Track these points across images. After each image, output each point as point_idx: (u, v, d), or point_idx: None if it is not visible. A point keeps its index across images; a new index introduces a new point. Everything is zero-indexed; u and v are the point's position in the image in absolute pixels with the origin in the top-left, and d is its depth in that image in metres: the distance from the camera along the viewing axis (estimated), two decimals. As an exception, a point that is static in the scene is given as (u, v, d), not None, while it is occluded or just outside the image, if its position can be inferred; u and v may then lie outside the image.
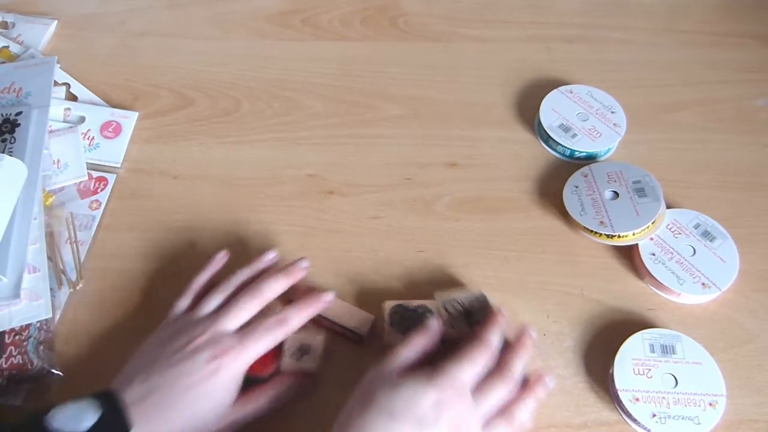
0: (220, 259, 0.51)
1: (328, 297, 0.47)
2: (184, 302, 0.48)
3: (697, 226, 0.54)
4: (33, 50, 0.66)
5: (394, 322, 0.47)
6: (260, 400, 0.44)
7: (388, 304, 0.48)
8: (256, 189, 0.58)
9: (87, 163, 0.58)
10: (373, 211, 0.57)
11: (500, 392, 0.41)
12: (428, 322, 0.44)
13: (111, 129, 0.61)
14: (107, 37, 0.69)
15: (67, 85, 0.63)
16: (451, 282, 0.53)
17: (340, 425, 0.39)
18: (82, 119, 0.61)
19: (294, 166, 0.60)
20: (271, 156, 0.59)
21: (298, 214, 0.56)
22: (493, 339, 0.43)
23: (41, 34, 0.68)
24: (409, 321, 0.47)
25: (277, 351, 0.46)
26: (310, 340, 0.46)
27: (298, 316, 0.45)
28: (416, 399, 0.38)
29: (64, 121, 0.61)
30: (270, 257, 0.50)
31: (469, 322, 0.46)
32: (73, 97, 0.63)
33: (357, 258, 0.54)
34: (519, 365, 0.42)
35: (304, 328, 0.46)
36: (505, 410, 0.41)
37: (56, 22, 0.69)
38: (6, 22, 0.68)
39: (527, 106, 0.63)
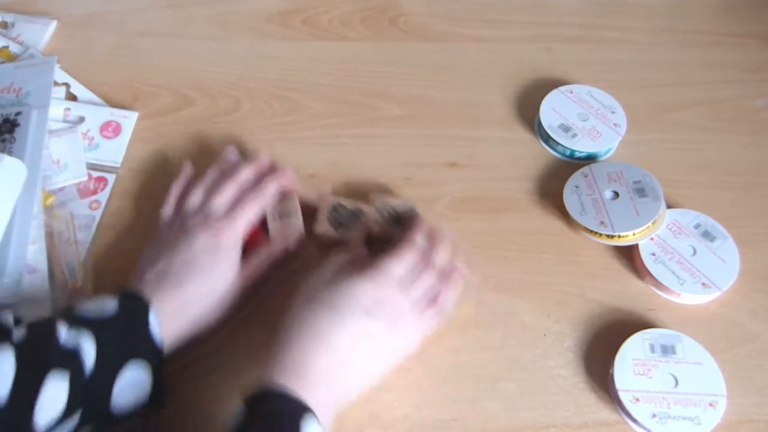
0: (188, 167, 0.56)
1: (289, 169, 0.54)
2: (168, 209, 0.52)
3: (697, 226, 0.54)
4: (33, 50, 0.65)
5: (329, 216, 0.52)
6: (261, 258, 0.50)
7: (330, 199, 0.53)
8: (256, 189, 0.58)
9: (87, 163, 0.58)
10: (373, 211, 0.57)
11: (427, 282, 0.46)
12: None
13: (111, 129, 0.61)
14: (107, 37, 0.69)
15: (67, 85, 0.63)
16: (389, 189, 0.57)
17: (287, 326, 0.43)
18: (81, 119, 0.61)
19: (294, 166, 0.59)
20: (271, 156, 0.59)
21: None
22: (418, 239, 0.48)
23: (41, 34, 0.68)
24: (342, 218, 0.52)
25: (265, 228, 0.52)
26: (288, 206, 0.53)
27: (272, 184, 0.52)
28: (358, 293, 0.43)
29: (64, 121, 0.61)
30: (231, 153, 0.56)
31: (398, 225, 0.52)
32: (73, 97, 0.63)
33: (357, 258, 0.54)
34: (440, 259, 0.48)
35: (280, 199, 0.53)
36: (432, 298, 0.46)
37: (56, 22, 0.69)
38: (6, 22, 0.68)
39: (527, 106, 0.63)
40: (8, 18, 0.68)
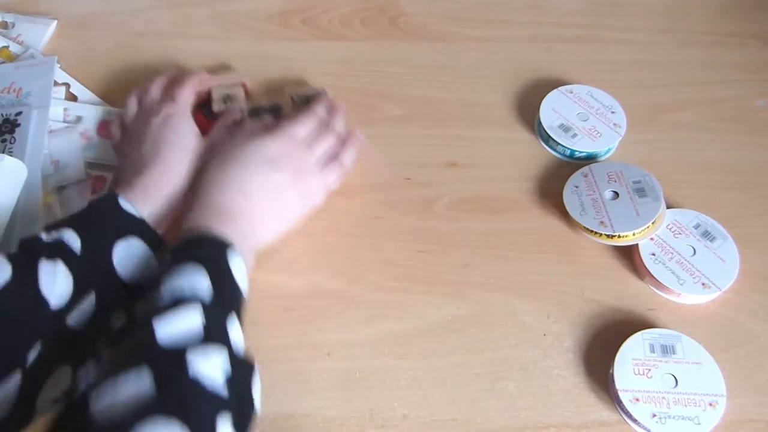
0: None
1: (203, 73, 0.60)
2: (132, 105, 0.58)
3: (697, 226, 0.54)
4: (33, 50, 0.65)
5: (251, 113, 0.60)
6: (218, 126, 0.57)
7: (249, 104, 0.60)
8: (256, 189, 0.58)
9: (86, 162, 0.58)
10: (373, 211, 0.57)
11: (328, 142, 0.54)
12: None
13: (108, 129, 0.61)
14: (107, 37, 0.69)
15: (67, 85, 0.63)
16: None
17: (205, 182, 0.49)
18: (79, 119, 0.61)
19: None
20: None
21: (298, 214, 0.57)
22: (319, 109, 0.55)
23: (41, 34, 0.68)
24: (260, 113, 0.60)
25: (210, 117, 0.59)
26: (232, 91, 0.60)
27: (203, 72, 0.60)
28: (263, 148, 0.50)
29: (64, 121, 0.61)
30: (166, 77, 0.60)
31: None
32: (73, 97, 0.63)
33: (357, 258, 0.54)
34: (338, 123, 0.56)
35: (227, 85, 0.61)
36: (333, 156, 0.54)
37: (56, 22, 0.69)
38: (6, 22, 0.68)
39: (527, 106, 0.63)
40: (8, 18, 0.68)
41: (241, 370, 0.39)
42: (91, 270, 0.44)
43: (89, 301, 0.44)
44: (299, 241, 0.55)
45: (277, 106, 0.61)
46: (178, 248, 0.44)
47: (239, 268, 0.44)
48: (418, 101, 0.64)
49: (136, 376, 0.34)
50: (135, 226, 0.47)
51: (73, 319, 0.43)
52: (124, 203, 0.47)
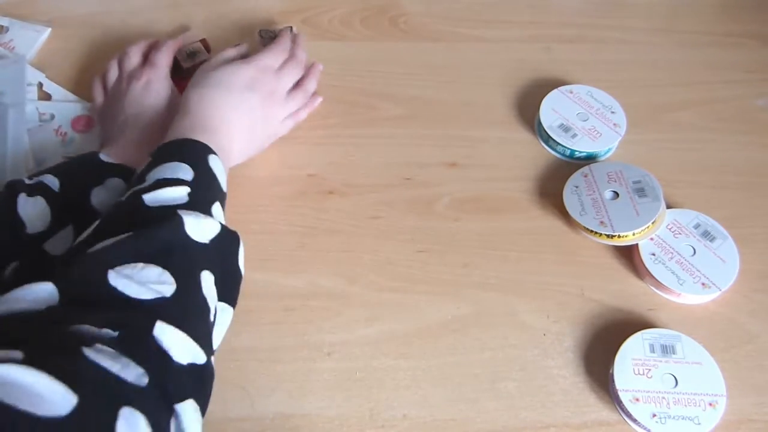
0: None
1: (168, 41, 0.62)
2: (113, 70, 0.60)
3: (697, 226, 0.54)
4: (0, 49, 0.65)
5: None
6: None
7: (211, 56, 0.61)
8: (255, 189, 0.58)
9: (63, 157, 0.58)
10: (373, 211, 0.57)
11: (294, 70, 0.59)
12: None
13: (82, 123, 0.61)
14: (107, 37, 0.69)
15: (40, 83, 0.63)
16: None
17: (183, 104, 0.52)
18: (52, 116, 0.61)
19: (294, 166, 0.59)
20: (270, 156, 0.59)
21: (298, 214, 0.56)
22: (285, 41, 0.60)
23: (33, 41, 0.66)
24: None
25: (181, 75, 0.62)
26: (195, 47, 0.65)
27: (168, 40, 0.62)
28: (237, 73, 0.54)
29: (40, 120, 0.61)
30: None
31: None
32: (46, 96, 0.63)
33: (357, 258, 0.54)
34: (302, 54, 0.60)
35: (188, 44, 0.65)
36: (299, 84, 0.59)
37: (50, 29, 0.68)
38: (1, 26, 0.67)
39: (527, 106, 0.63)
40: (4, 22, 0.67)
41: (226, 238, 0.42)
42: (69, 205, 0.48)
43: (67, 232, 0.47)
44: (299, 241, 0.55)
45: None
46: (159, 150, 0.46)
47: (219, 169, 0.47)
48: (418, 101, 0.64)
49: (123, 235, 0.37)
50: (115, 171, 0.50)
51: (52, 245, 0.46)
52: (104, 156, 0.51)
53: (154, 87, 0.57)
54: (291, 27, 0.65)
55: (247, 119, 0.53)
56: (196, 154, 0.46)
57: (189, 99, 0.52)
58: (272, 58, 0.57)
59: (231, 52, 0.58)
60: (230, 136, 0.51)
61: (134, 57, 0.60)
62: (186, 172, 0.43)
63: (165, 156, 0.45)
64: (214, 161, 0.46)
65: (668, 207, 0.55)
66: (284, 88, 0.57)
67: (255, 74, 0.55)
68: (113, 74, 0.60)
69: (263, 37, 0.65)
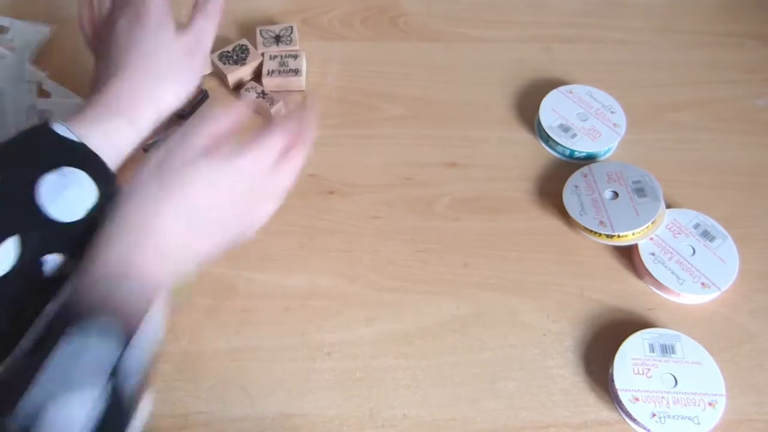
0: None
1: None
2: (106, 2, 0.52)
3: (696, 226, 0.54)
4: (1, 49, 0.65)
5: (223, 60, 0.64)
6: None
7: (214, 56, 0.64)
8: (256, 189, 0.58)
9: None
10: (373, 211, 0.57)
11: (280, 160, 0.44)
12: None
13: None
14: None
15: (39, 82, 0.63)
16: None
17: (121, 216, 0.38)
18: (50, 113, 0.61)
19: (294, 166, 0.59)
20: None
21: (298, 214, 0.56)
22: (276, 135, 0.43)
23: (34, 39, 0.67)
24: (235, 54, 0.65)
25: None
26: None
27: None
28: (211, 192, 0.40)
29: (40, 119, 0.61)
30: None
31: (278, 44, 0.66)
32: (46, 94, 0.63)
33: (357, 258, 0.54)
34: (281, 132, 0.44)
35: None
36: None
37: (49, 29, 0.68)
38: (1, 27, 0.67)
39: (527, 106, 0.63)
40: (5, 22, 0.67)
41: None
42: (10, 201, 0.36)
43: (6, 248, 0.35)
44: (299, 241, 0.55)
45: (245, 45, 0.65)
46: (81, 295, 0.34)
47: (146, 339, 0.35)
48: (418, 101, 0.64)
49: None
50: (72, 154, 0.38)
51: None
52: (60, 128, 0.39)
53: (147, 22, 0.48)
54: (291, 27, 0.66)
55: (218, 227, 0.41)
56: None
57: (140, 205, 0.38)
58: (263, 155, 0.43)
59: (208, 127, 0.42)
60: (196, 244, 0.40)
61: None
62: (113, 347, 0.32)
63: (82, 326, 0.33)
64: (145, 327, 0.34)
65: (668, 207, 0.55)
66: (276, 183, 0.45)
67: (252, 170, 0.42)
68: (105, 7, 0.51)
69: (264, 36, 0.66)
